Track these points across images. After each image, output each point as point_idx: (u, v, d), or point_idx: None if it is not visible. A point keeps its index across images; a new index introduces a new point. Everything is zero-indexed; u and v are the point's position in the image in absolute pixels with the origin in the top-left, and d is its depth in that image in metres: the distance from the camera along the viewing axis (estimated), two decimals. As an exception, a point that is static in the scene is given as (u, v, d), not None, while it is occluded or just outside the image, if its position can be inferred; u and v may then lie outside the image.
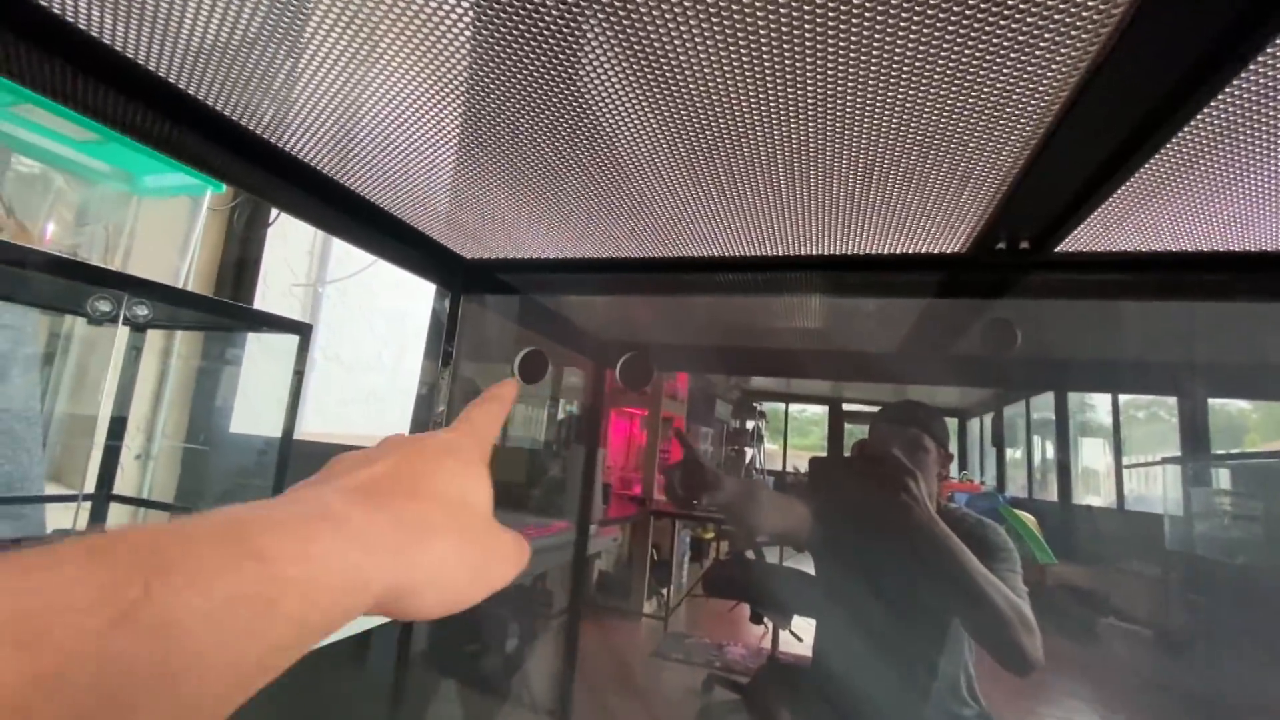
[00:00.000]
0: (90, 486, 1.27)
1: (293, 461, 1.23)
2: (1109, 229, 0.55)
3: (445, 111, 0.51)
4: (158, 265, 1.41)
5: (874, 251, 0.65)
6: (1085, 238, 0.57)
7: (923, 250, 0.64)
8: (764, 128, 0.47)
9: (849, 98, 0.42)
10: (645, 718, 2.64)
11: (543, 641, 2.51)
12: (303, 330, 1.15)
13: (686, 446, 1.11)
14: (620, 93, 0.45)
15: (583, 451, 2.79)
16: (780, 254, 0.69)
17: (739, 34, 0.36)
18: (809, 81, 0.41)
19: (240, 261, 1.63)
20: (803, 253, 0.67)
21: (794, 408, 9.72)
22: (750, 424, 8.73)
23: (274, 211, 1.62)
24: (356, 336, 2.03)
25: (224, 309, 1.17)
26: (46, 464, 1.28)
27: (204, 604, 0.17)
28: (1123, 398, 5.13)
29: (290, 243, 1.78)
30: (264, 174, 0.57)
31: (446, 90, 0.48)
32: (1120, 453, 4.83)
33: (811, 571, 1.87)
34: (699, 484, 1.24)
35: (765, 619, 3.01)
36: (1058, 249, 0.60)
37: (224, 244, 1.59)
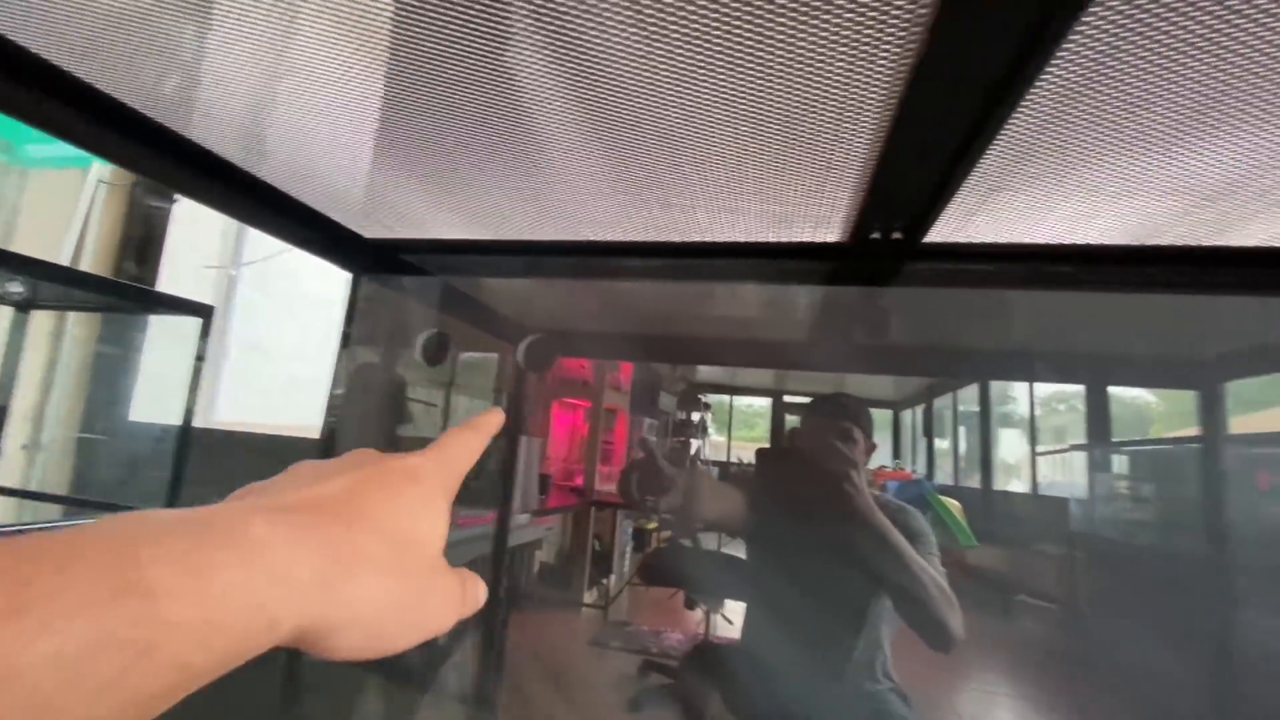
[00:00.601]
0: (-34, 479, 1.18)
1: (197, 452, 1.17)
2: (967, 221, 0.59)
3: (348, 89, 0.51)
4: (45, 241, 1.32)
5: (762, 239, 0.67)
6: (949, 229, 0.61)
7: (806, 239, 0.66)
8: (649, 112, 0.48)
9: (703, 85, 0.43)
10: (576, 705, 2.65)
11: (475, 633, 2.49)
12: (204, 313, 1.10)
13: (649, 453, 1.12)
14: (531, 78, 0.45)
15: (524, 441, 2.77)
16: (679, 240, 0.70)
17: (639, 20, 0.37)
18: (670, 67, 0.42)
19: (144, 240, 1.54)
20: (700, 239, 0.69)
21: (739, 400, 9.92)
22: (695, 415, 8.84)
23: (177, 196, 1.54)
24: (278, 323, 1.95)
25: (114, 289, 1.10)
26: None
27: (60, 650, 0.15)
28: (1040, 391, 5.45)
29: (201, 222, 1.69)
30: (143, 148, 0.54)
31: (351, 69, 0.47)
32: (1035, 441, 5.14)
33: (743, 556, 1.92)
34: (656, 489, 1.26)
35: (699, 604, 3.08)
36: (926, 240, 0.63)
37: (125, 221, 1.50)
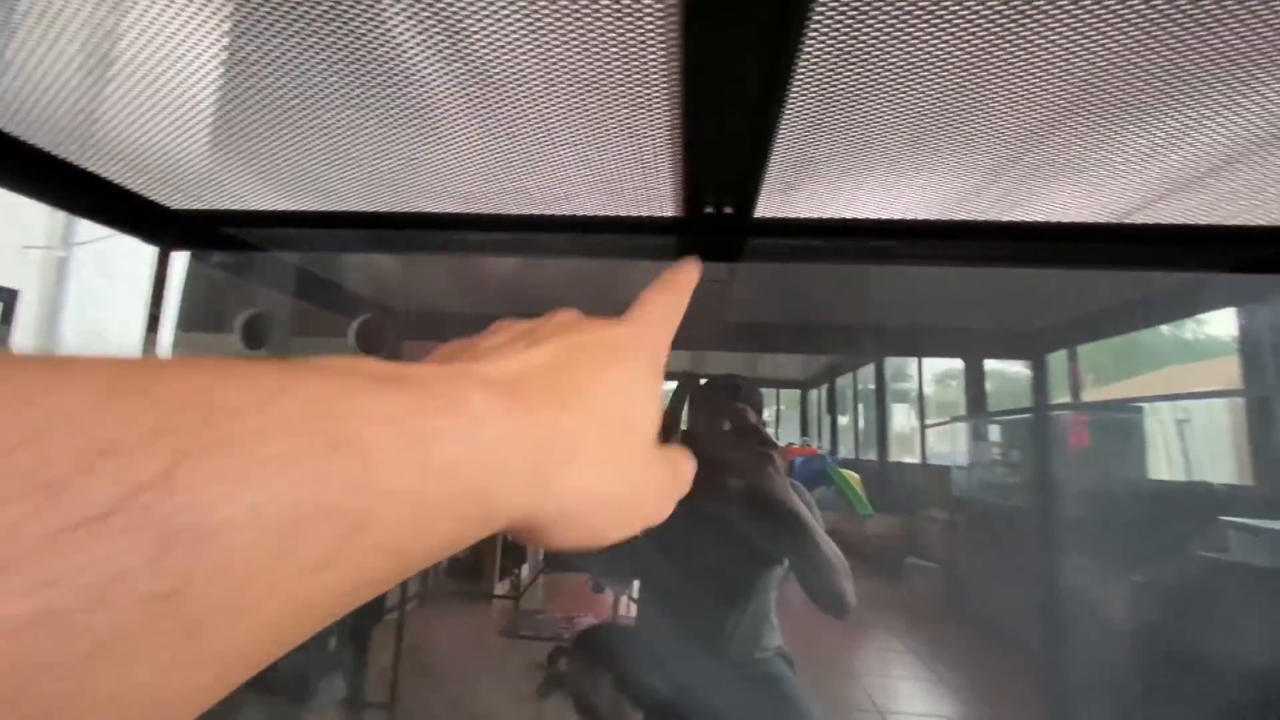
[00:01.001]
0: None
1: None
2: (789, 197, 0.60)
3: (144, 40, 0.44)
4: None
5: (601, 213, 0.66)
6: (775, 205, 0.62)
7: (645, 214, 0.66)
8: (475, 82, 0.45)
9: (516, 57, 0.41)
10: (482, 698, 2.61)
11: (376, 633, 2.39)
12: (4, 296, 0.96)
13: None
14: (358, 43, 0.41)
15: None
16: (516, 213, 0.68)
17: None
18: (486, 42, 0.39)
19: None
20: (537, 212, 0.67)
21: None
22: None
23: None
24: (123, 308, 1.76)
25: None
26: None
27: (264, 507, 0.11)
28: (930, 368, 5.86)
29: (18, 197, 1.49)
30: None
31: (151, 18, 0.41)
32: (923, 415, 5.53)
33: (642, 537, 1.93)
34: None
35: (606, 587, 3.10)
36: (757, 215, 0.64)
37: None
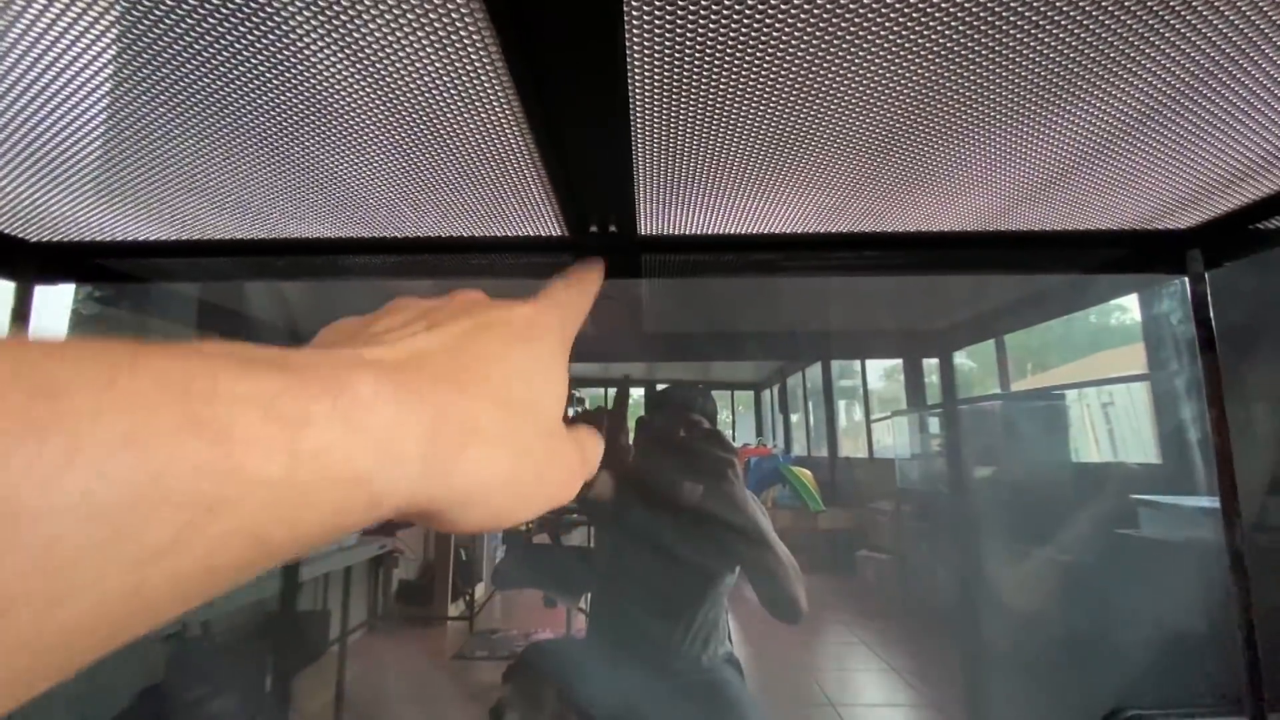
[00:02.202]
0: None
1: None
2: (668, 213, 0.61)
3: None
4: None
5: (486, 234, 0.66)
6: (658, 222, 0.63)
7: (531, 233, 0.66)
8: (335, 106, 0.44)
9: (366, 77, 0.40)
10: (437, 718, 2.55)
11: (316, 669, 2.30)
12: None
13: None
14: (218, 67, 0.39)
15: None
16: (396, 235, 0.67)
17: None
18: (340, 65, 0.38)
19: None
20: (418, 234, 0.66)
21: (613, 391, 10.04)
22: (569, 410, 8.83)
23: None
24: None
25: None
26: None
27: (92, 491, 0.10)
28: (872, 366, 6.03)
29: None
30: None
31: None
32: (868, 410, 5.69)
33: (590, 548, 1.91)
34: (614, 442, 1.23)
35: (558, 603, 3.07)
36: (643, 232, 0.65)
37: None
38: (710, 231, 0.64)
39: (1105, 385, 3.66)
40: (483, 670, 3.10)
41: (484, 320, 0.22)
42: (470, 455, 0.19)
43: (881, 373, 6.42)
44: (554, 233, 0.65)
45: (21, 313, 0.67)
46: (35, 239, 0.66)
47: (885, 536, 4.77)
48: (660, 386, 1.45)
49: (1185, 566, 1.78)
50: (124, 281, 0.75)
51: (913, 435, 4.47)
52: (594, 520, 1.79)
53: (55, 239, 0.68)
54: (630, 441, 1.38)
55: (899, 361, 5.65)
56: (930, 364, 5.07)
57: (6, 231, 0.64)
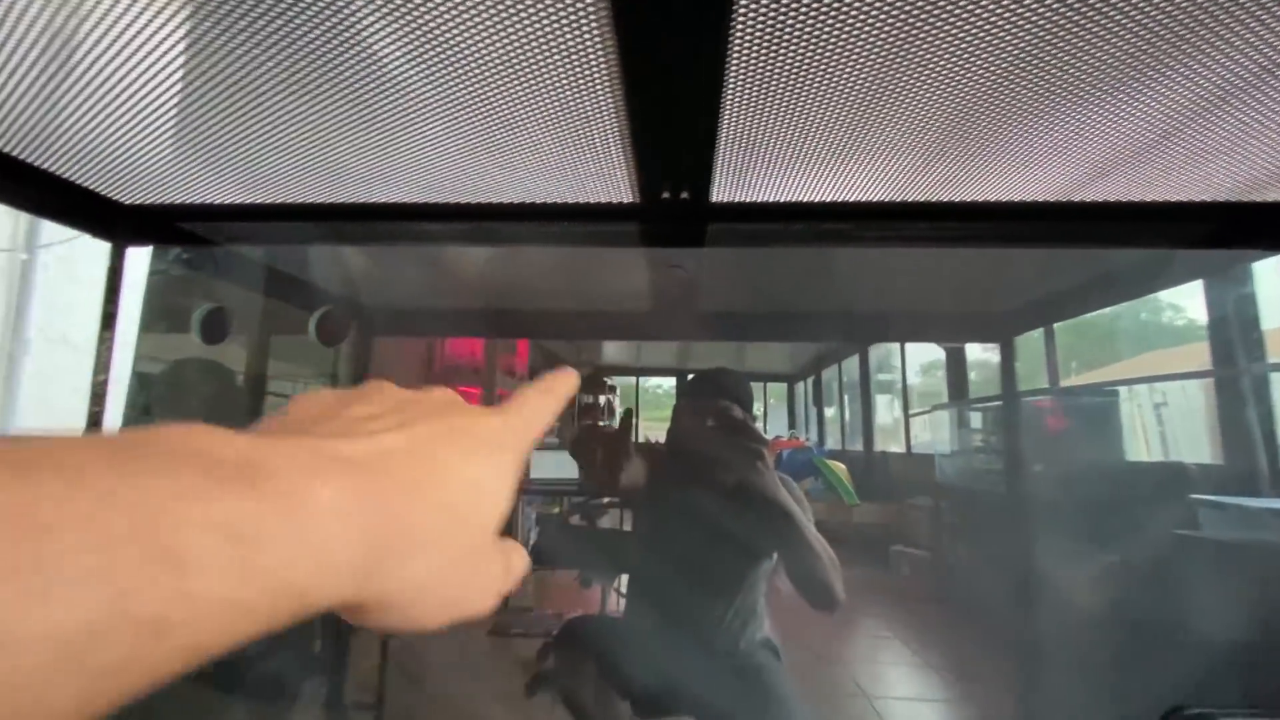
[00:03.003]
0: None
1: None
2: (743, 180, 0.60)
3: (101, 37, 0.44)
4: None
5: (560, 200, 0.66)
6: (731, 189, 0.63)
7: (602, 200, 0.66)
8: (433, 72, 0.45)
9: (467, 48, 0.41)
10: (469, 696, 2.61)
11: (361, 635, 2.37)
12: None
13: (625, 429, 1.10)
14: (316, 35, 0.41)
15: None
16: (477, 201, 0.68)
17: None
18: (440, 34, 0.39)
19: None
20: (497, 200, 0.67)
21: (646, 381, 10.05)
22: (602, 399, 8.86)
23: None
24: (91, 313, 1.73)
25: None
26: None
27: (65, 624, 0.11)
28: (912, 359, 5.91)
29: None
30: None
31: (107, 11, 0.41)
32: (907, 405, 5.58)
33: (628, 530, 1.93)
34: (618, 464, 1.24)
35: (594, 581, 3.10)
36: (715, 200, 0.65)
37: None
38: (783, 199, 0.64)
39: (1161, 382, 3.52)
40: (517, 646, 3.16)
41: (451, 425, 0.22)
42: (411, 565, 0.19)
43: (919, 368, 6.28)
44: (625, 199, 0.65)
45: (115, 273, 0.70)
46: (129, 201, 0.69)
47: (921, 532, 4.68)
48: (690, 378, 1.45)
49: (1248, 568, 1.71)
50: (203, 245, 0.78)
51: (953, 430, 4.36)
52: (631, 504, 1.80)
53: (146, 201, 0.71)
54: (633, 453, 1.35)
55: (938, 357, 5.51)
56: (973, 359, 4.90)
57: (103, 193, 0.67)
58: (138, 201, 0.70)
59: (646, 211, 0.67)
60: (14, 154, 0.61)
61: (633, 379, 9.74)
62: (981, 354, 5.21)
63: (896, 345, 5.85)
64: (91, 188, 0.67)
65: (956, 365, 4.66)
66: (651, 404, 10.39)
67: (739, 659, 1.52)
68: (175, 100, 0.55)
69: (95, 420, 0.67)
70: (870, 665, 3.15)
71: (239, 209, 0.72)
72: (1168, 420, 3.54)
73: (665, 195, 0.64)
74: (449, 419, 0.22)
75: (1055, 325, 3.31)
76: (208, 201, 0.72)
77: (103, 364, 0.67)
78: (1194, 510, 2.03)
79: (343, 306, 1.01)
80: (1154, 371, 4.27)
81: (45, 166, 0.63)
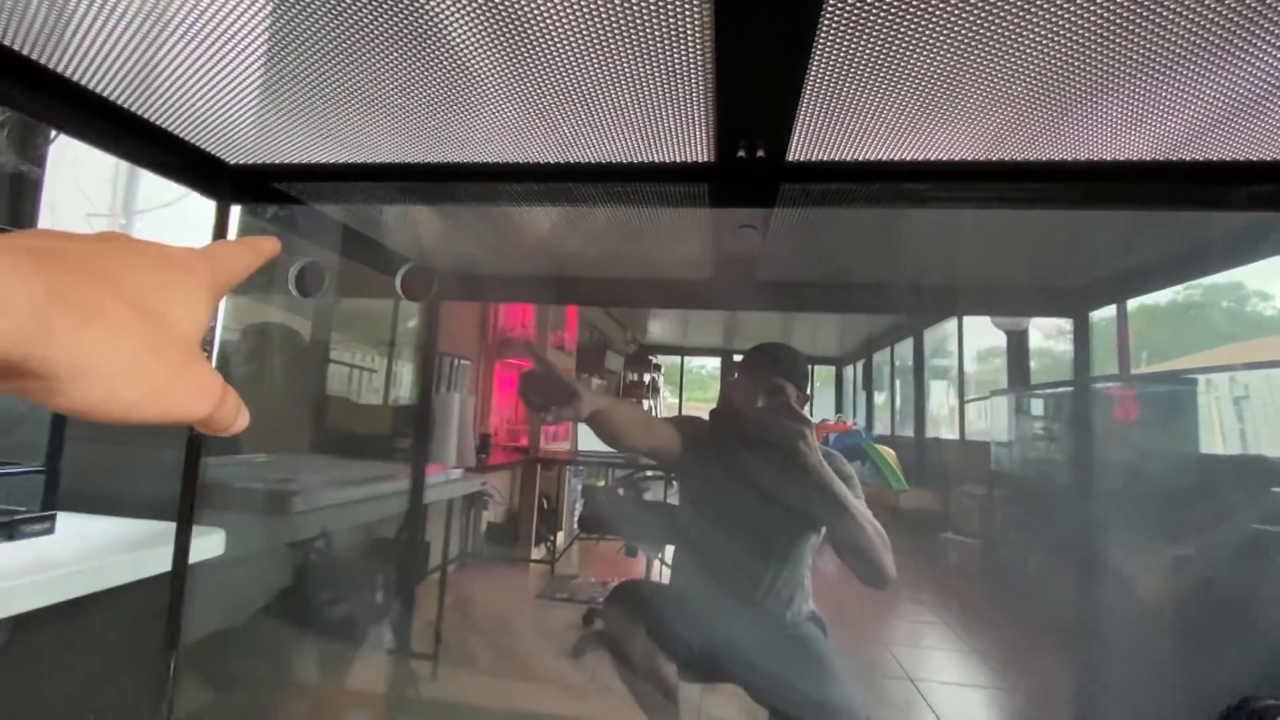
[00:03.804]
0: None
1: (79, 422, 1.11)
2: (822, 138, 0.60)
3: (212, 5, 0.47)
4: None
5: (634, 160, 0.67)
6: (809, 147, 0.62)
7: (677, 159, 0.67)
8: (491, 23, 0.47)
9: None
10: (518, 654, 2.71)
11: (419, 591, 2.49)
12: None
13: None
14: None
15: (458, 398, 2.75)
16: (551, 161, 0.69)
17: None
18: None
19: (16, 186, 1.42)
20: (570, 159, 0.69)
21: (690, 361, 10.04)
22: (646, 377, 8.91)
23: (52, 137, 1.42)
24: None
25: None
26: None
27: None
28: (970, 344, 5.70)
29: (83, 168, 1.58)
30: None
31: None
32: (963, 390, 5.40)
33: (675, 503, 1.96)
34: (549, 392, 1.26)
35: (639, 551, 3.16)
36: (791, 158, 0.65)
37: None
38: (861, 158, 0.63)
39: (1243, 374, 3.30)
40: (563, 610, 3.26)
41: (131, 245, 0.23)
42: (94, 334, 0.20)
43: (977, 355, 6.06)
44: (700, 158, 0.66)
45: (221, 230, 0.75)
46: (234, 161, 0.74)
47: (973, 520, 4.57)
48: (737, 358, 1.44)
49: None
50: (294, 204, 0.82)
51: (1012, 417, 4.22)
52: (677, 476, 1.82)
53: (244, 161, 0.75)
54: (577, 390, 1.32)
55: (996, 343, 5.30)
56: (1034, 346, 4.69)
57: (211, 152, 0.72)
58: (238, 161, 0.75)
59: (720, 171, 0.68)
60: (130, 108, 0.66)
61: (678, 359, 9.74)
62: (1044, 342, 4.99)
63: (953, 331, 5.66)
64: (199, 145, 0.72)
65: (1018, 350, 4.48)
66: (695, 384, 10.37)
67: (786, 630, 1.54)
68: (264, 56, 0.59)
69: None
70: (915, 650, 3.12)
71: (324, 168, 0.76)
72: (1248, 415, 3.33)
73: (741, 153, 0.64)
74: (128, 241, 0.23)
75: (1128, 312, 3.14)
76: (296, 161, 0.77)
77: (210, 326, 0.73)
78: (1277, 504, 1.92)
79: (424, 265, 1.05)
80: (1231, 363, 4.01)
81: (163, 124, 0.68)
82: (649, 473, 3.99)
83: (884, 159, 0.63)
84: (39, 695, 1.20)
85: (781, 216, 0.83)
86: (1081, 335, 1.11)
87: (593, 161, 0.69)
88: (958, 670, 2.90)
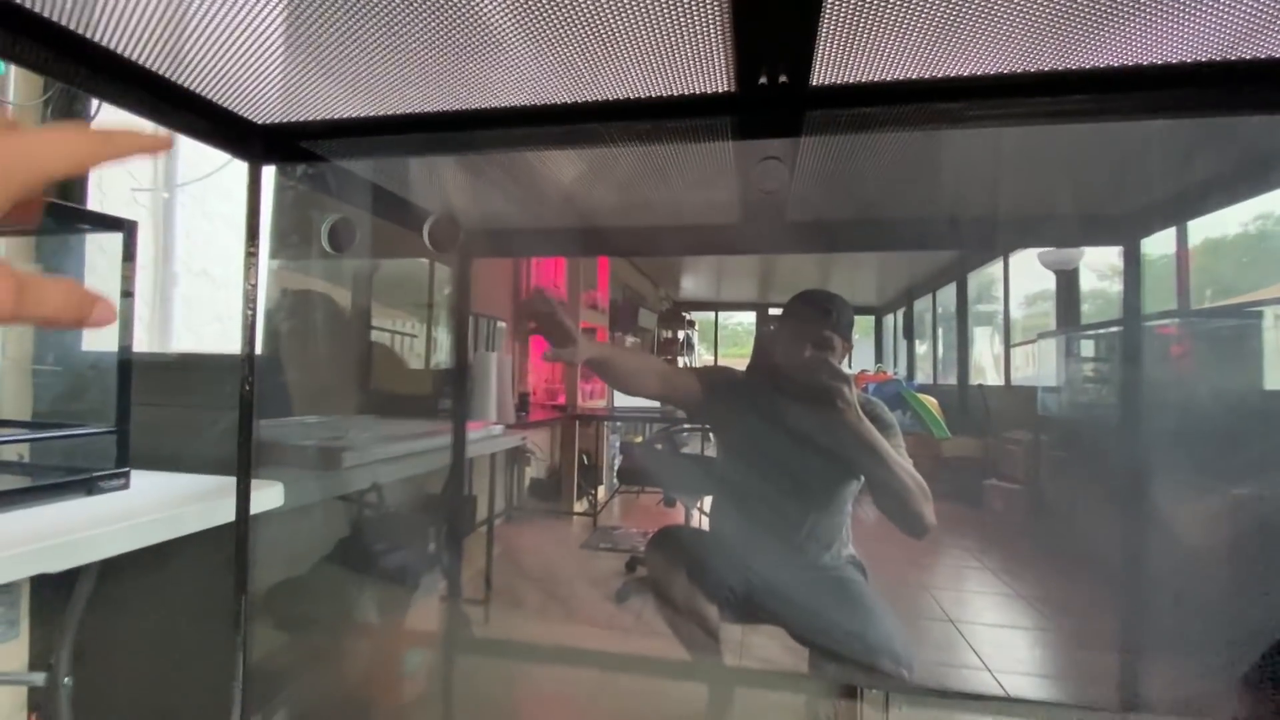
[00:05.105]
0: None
1: (150, 377, 1.18)
2: (847, 60, 0.58)
3: None
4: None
5: (654, 94, 0.66)
6: (832, 71, 0.60)
7: (698, 91, 0.65)
8: None
9: None
10: (564, 599, 2.83)
11: (467, 543, 2.61)
12: (125, 227, 1.08)
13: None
14: None
15: (494, 357, 2.80)
16: (572, 100, 0.69)
17: None
18: None
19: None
20: (589, 98, 0.68)
21: (725, 317, 9.94)
22: (681, 334, 8.89)
23: (93, 105, 1.46)
24: (223, 247, 1.91)
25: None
26: None
27: None
28: (1017, 289, 5.49)
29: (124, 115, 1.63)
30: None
31: None
32: (1009, 335, 5.23)
33: (713, 455, 1.98)
34: (549, 327, 1.27)
35: (677, 501, 3.22)
36: (814, 83, 0.62)
37: (39, 144, 1.43)
38: (888, 78, 0.60)
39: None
40: (606, 559, 3.37)
41: None
42: None
43: (1024, 299, 5.83)
44: (721, 88, 0.64)
45: (254, 190, 0.77)
46: (262, 121, 0.76)
47: (1018, 467, 4.49)
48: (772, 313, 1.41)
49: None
50: (321, 161, 0.84)
51: (1060, 360, 4.08)
52: (712, 426, 1.83)
53: (271, 120, 0.77)
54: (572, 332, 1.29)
55: (1044, 287, 5.08)
56: (1086, 288, 4.49)
57: (241, 113, 0.74)
58: (267, 121, 0.76)
59: (742, 101, 0.66)
60: (159, 71, 0.67)
61: (711, 314, 9.66)
62: (1097, 283, 4.76)
63: (998, 275, 5.45)
64: (228, 106, 0.73)
65: (1068, 291, 4.29)
66: (730, 340, 10.29)
67: (825, 572, 1.56)
68: (285, 11, 0.59)
69: (250, 334, 0.76)
70: (956, 593, 3.13)
71: (349, 123, 0.77)
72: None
73: (762, 80, 0.62)
74: None
75: (1189, 248, 2.95)
76: (322, 118, 0.78)
77: (251, 278, 0.76)
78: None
79: (451, 215, 1.06)
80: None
81: (193, 88, 0.70)
82: (686, 427, 4.03)
83: (913, 78, 0.60)
84: (128, 637, 1.31)
85: (809, 149, 0.81)
86: (1133, 264, 1.05)
87: (611, 99, 0.68)
88: (1000, 613, 2.91)
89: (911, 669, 1.27)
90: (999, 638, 2.64)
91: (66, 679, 1.02)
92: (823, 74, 0.60)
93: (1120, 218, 1.04)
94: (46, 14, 0.56)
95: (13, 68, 1.35)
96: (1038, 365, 4.65)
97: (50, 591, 1.39)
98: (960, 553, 3.84)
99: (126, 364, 1.12)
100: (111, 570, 1.03)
